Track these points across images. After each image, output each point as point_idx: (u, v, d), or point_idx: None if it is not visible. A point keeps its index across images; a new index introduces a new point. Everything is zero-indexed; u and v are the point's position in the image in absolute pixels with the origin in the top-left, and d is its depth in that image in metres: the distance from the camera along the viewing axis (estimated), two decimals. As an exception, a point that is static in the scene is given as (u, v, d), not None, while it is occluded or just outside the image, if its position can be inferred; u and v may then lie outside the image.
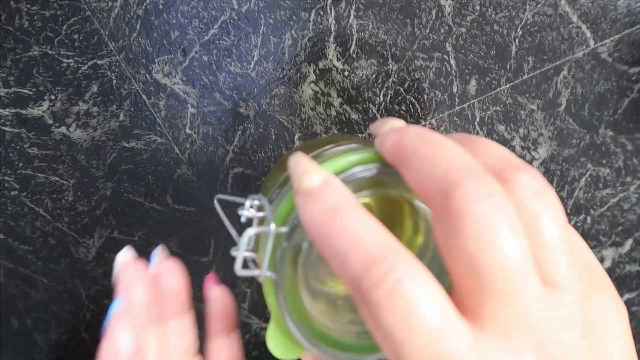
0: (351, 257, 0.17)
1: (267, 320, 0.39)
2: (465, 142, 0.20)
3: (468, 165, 0.18)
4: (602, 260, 0.37)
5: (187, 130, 0.35)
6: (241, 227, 0.28)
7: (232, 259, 0.33)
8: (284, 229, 0.20)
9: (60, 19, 0.33)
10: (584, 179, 0.35)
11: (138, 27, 0.33)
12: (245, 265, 0.22)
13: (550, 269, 0.17)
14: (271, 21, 0.33)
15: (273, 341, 0.23)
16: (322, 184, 0.19)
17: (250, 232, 0.21)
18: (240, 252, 0.20)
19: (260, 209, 0.22)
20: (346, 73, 0.34)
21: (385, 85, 0.34)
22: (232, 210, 0.26)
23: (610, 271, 0.37)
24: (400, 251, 0.17)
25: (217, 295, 0.28)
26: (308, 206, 0.19)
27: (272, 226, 0.20)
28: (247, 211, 0.22)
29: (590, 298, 0.18)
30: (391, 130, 0.21)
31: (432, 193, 0.18)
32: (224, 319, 0.28)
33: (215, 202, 0.25)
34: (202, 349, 0.40)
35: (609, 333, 0.18)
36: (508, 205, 0.17)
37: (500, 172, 0.18)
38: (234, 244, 0.37)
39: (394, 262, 0.17)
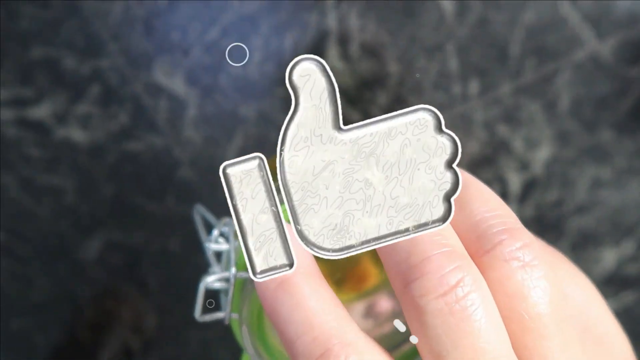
0: (298, 344, 0.15)
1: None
2: None
3: (433, 241, 0.15)
4: (603, 261, 0.37)
5: (188, 132, 0.35)
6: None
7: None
8: (245, 275, 0.18)
9: (61, 19, 0.33)
10: (585, 179, 0.35)
11: (139, 28, 0.33)
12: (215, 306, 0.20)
13: (533, 358, 0.16)
14: (272, 22, 0.33)
15: None
16: None
17: (209, 280, 0.19)
18: (199, 301, 0.19)
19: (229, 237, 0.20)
20: (347, 74, 0.34)
21: (386, 86, 0.34)
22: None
23: (611, 272, 0.37)
24: (351, 341, 0.15)
25: None
26: None
27: (233, 270, 0.18)
28: (214, 244, 0.20)
29: None
30: None
31: (392, 276, 0.16)
32: None
33: (195, 213, 0.22)
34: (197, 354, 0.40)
35: None
36: (480, 293, 0.15)
37: (483, 236, 0.16)
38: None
39: (343, 355, 0.15)
